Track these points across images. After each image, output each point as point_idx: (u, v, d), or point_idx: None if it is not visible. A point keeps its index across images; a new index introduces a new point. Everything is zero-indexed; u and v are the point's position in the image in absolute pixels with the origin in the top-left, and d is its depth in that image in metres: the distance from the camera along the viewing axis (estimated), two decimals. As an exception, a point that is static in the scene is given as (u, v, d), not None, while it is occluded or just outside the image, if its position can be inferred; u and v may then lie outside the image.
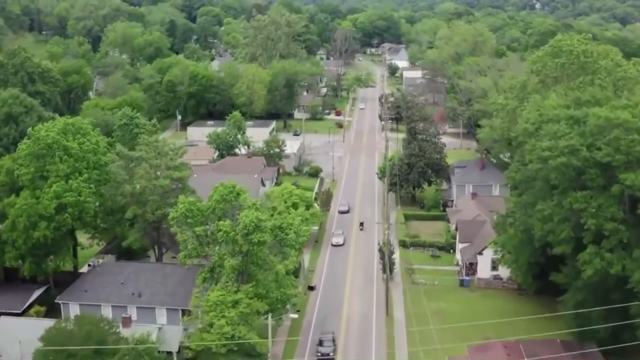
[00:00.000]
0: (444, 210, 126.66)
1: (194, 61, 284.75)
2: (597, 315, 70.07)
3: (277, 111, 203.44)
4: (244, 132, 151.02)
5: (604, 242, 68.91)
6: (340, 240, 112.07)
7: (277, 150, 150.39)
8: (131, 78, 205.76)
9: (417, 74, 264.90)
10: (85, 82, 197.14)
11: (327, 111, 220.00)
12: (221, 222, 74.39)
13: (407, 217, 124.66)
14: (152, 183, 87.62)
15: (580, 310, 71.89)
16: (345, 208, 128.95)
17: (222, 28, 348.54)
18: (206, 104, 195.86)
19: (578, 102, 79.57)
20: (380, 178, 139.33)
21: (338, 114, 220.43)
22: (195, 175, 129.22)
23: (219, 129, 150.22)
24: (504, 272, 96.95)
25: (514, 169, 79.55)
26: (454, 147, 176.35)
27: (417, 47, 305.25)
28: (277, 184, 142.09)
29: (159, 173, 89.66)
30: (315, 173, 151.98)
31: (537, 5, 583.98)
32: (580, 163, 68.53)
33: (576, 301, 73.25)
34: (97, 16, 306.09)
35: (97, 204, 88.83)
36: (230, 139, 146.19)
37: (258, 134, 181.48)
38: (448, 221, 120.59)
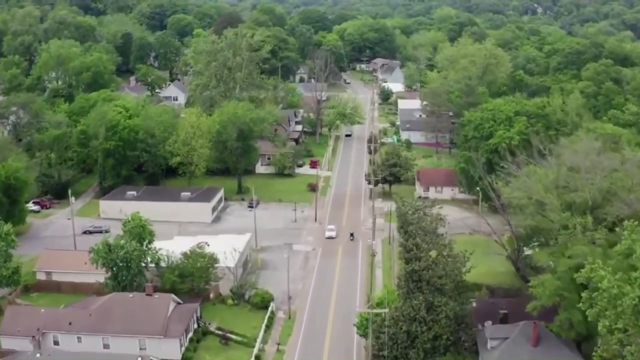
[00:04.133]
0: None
1: (147, 84, 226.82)
2: None
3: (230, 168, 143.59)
4: (150, 242, 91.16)
5: None
6: None
7: (203, 267, 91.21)
8: (36, 126, 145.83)
9: (414, 102, 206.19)
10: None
11: (299, 163, 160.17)
12: None
13: None
14: None
15: None
16: None
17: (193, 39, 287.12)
18: (130, 164, 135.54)
19: None
20: (361, 335, 79.58)
21: (313, 165, 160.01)
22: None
23: (112, 238, 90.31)
24: None
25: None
26: (467, 229, 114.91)
27: (414, 67, 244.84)
28: (194, 343, 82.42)
29: None
30: (263, 302, 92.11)
31: (539, 10, 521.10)
32: None
33: None
34: (37, 30, 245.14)
35: None
36: (129, 255, 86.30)
37: (196, 212, 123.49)
38: None
